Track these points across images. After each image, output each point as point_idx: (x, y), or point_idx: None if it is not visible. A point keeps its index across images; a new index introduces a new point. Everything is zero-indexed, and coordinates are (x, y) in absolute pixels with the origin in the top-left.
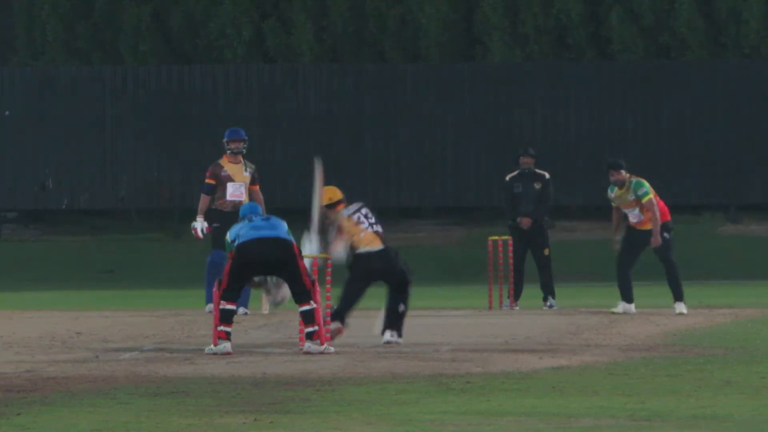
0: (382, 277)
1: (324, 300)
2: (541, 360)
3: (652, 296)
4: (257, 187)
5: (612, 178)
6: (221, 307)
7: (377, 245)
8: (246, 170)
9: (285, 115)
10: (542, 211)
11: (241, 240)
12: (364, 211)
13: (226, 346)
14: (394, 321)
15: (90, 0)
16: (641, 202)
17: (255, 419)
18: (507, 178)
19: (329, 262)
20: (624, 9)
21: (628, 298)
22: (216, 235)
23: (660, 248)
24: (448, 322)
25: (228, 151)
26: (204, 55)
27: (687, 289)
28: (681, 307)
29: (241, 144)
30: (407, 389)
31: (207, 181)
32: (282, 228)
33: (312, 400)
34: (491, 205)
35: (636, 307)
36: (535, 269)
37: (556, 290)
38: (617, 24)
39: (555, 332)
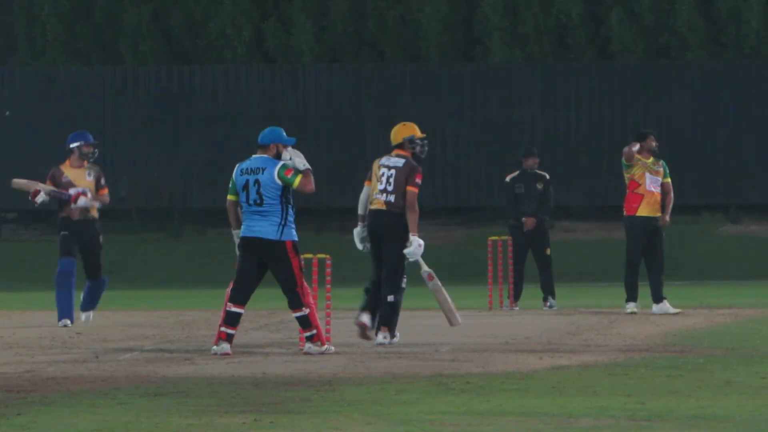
0: (377, 238)
1: (324, 300)
2: (541, 360)
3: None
4: (104, 191)
5: (653, 144)
6: (227, 309)
7: (379, 206)
8: (89, 175)
9: (285, 115)
10: (544, 211)
11: (240, 233)
12: (390, 172)
13: (224, 347)
14: (384, 317)
15: (90, 0)
16: (665, 179)
17: (255, 419)
18: (507, 178)
19: (329, 262)
20: (624, 9)
21: (631, 297)
22: (63, 243)
23: (658, 244)
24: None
25: (79, 156)
26: (204, 55)
27: (687, 289)
28: (667, 307)
29: (92, 148)
30: (407, 389)
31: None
32: (272, 219)
33: (312, 400)
34: (491, 205)
35: (636, 307)
36: (535, 269)
37: (556, 290)
38: (617, 24)
39: (555, 332)
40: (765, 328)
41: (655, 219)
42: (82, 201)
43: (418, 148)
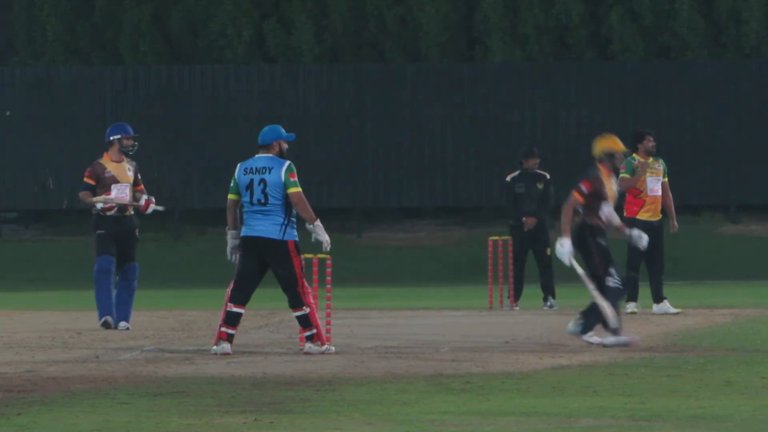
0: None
1: (324, 301)
2: (541, 360)
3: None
4: (141, 187)
5: (650, 144)
6: (228, 309)
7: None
8: (129, 170)
9: (285, 115)
10: (545, 211)
11: (242, 233)
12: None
13: (224, 347)
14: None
15: (90, 0)
16: (664, 179)
17: (255, 419)
18: (508, 178)
19: (329, 262)
20: (624, 9)
21: (631, 297)
22: (99, 242)
23: (659, 244)
24: (448, 322)
25: (119, 149)
26: (204, 55)
27: (687, 289)
28: (667, 307)
29: (133, 141)
30: (407, 389)
31: (86, 180)
32: (275, 218)
33: (312, 400)
34: (491, 205)
35: (636, 307)
36: (535, 269)
37: (556, 290)
38: (617, 24)
39: (555, 332)
40: (765, 328)
41: (655, 222)
42: (151, 208)
43: (617, 161)
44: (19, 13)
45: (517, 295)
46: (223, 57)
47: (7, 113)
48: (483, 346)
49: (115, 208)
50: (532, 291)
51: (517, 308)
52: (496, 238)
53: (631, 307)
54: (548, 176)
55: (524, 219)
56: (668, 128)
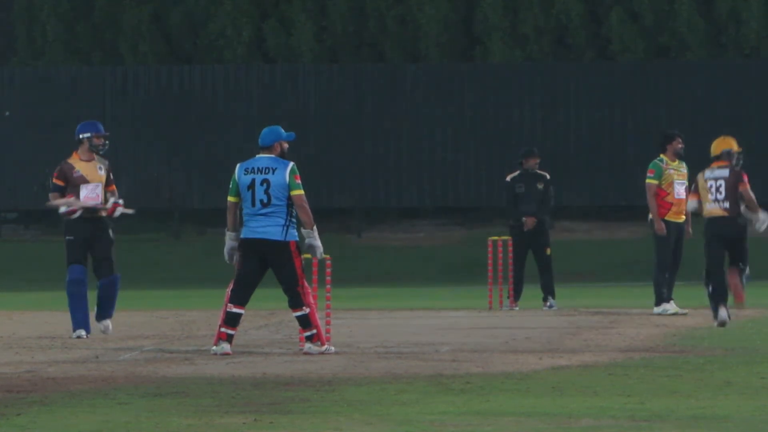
0: (727, 244)
1: (324, 301)
2: (541, 360)
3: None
4: (113, 188)
5: (679, 146)
6: (228, 309)
7: (720, 213)
8: (100, 169)
9: (285, 115)
10: (544, 211)
11: (242, 235)
12: (719, 183)
13: (224, 347)
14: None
15: (90, 0)
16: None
17: (255, 419)
18: (508, 178)
19: (329, 262)
20: (624, 9)
21: (665, 297)
22: (69, 249)
23: (680, 247)
24: (448, 322)
25: (89, 148)
26: (204, 55)
27: (687, 290)
28: (671, 307)
29: (103, 140)
30: (407, 389)
31: (54, 182)
32: (277, 219)
33: (312, 400)
34: (491, 205)
35: (636, 307)
36: (535, 269)
37: (556, 290)
38: (617, 24)
39: (555, 332)
40: (765, 328)
41: (682, 223)
42: (119, 211)
43: (734, 160)
44: (19, 13)
45: (516, 295)
46: (222, 57)
47: (7, 113)
48: (483, 346)
49: (78, 212)
50: (532, 291)
51: (517, 308)
52: (495, 238)
53: (670, 308)
54: (548, 176)
55: (524, 219)
56: (668, 128)
